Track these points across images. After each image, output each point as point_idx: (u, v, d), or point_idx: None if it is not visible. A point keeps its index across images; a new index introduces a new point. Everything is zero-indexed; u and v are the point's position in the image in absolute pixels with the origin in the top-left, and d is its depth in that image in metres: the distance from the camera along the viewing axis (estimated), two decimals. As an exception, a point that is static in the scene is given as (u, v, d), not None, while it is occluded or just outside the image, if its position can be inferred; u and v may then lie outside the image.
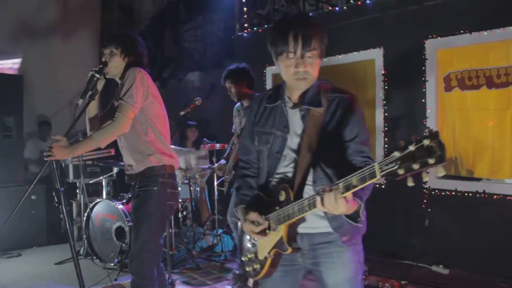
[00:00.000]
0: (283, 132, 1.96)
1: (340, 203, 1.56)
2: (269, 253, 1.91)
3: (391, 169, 1.38)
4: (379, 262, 4.79)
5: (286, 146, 1.95)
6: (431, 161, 1.28)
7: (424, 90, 4.88)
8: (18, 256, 5.49)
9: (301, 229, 1.91)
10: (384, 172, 1.41)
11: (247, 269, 2.04)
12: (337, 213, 1.63)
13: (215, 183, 5.70)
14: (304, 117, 1.92)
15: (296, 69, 1.86)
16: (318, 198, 1.64)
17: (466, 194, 4.57)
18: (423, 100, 4.87)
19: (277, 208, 1.87)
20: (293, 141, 1.94)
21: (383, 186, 4.98)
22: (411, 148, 1.33)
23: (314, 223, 1.92)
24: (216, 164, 5.16)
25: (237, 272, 4.34)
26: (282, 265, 1.97)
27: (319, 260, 1.93)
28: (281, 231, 1.85)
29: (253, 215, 1.92)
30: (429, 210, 4.82)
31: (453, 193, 4.64)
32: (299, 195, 1.84)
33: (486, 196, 4.44)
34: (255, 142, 2.06)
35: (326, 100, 1.91)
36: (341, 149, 1.84)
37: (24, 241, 5.75)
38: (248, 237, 2.06)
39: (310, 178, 1.88)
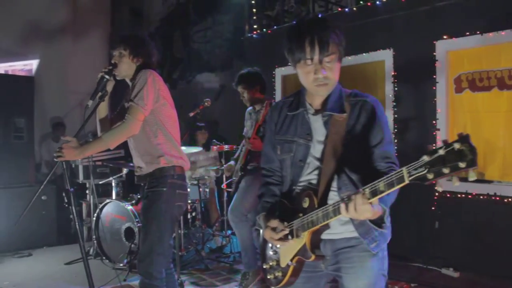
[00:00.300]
0: (306, 140, 1.92)
1: (365, 209, 1.53)
2: (291, 260, 1.87)
3: (420, 173, 1.35)
4: (389, 264, 4.75)
5: (309, 154, 1.91)
6: (462, 165, 1.25)
7: (434, 91, 4.84)
8: (29, 256, 5.53)
9: (324, 235, 1.87)
10: (412, 177, 1.38)
11: (269, 277, 1.99)
12: (362, 218, 1.60)
13: (224, 184, 5.71)
14: (327, 123, 1.88)
15: (315, 76, 1.81)
16: (342, 204, 1.61)
17: (476, 197, 4.53)
18: (433, 102, 4.84)
19: (301, 215, 1.84)
20: (316, 148, 1.91)
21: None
22: (441, 152, 1.29)
23: (337, 229, 1.89)
24: (225, 165, 5.17)
25: (244, 271, 4.34)
26: (304, 271, 1.93)
27: (340, 265, 1.89)
28: (304, 238, 1.82)
29: (274, 222, 1.90)
30: (439, 212, 4.78)
31: (464, 195, 4.60)
32: (323, 201, 1.80)
33: (497, 198, 4.40)
34: (278, 151, 2.02)
35: (348, 105, 1.87)
36: (365, 154, 1.81)
37: (35, 241, 5.79)
38: (270, 244, 2.04)
39: (334, 184, 1.85)
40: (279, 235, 1.86)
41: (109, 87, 2.97)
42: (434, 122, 4.83)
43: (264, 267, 2.05)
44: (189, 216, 5.68)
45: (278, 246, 1.96)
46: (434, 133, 4.81)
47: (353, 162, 1.82)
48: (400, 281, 4.31)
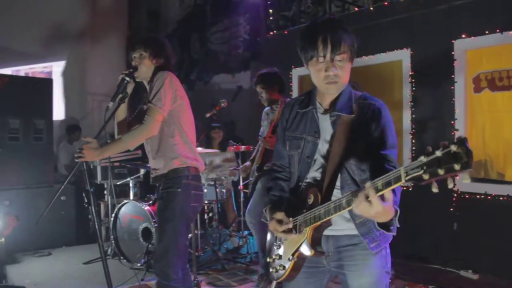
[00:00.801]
0: (314, 138, 1.97)
1: (374, 202, 1.52)
2: (292, 255, 1.91)
3: (416, 173, 1.36)
4: (406, 266, 4.73)
5: (317, 151, 1.96)
6: (456, 167, 1.26)
7: (452, 91, 4.79)
8: (49, 255, 5.61)
9: (327, 231, 1.90)
10: (409, 177, 1.40)
11: (271, 270, 2.04)
12: (373, 214, 1.56)
13: (240, 184, 5.72)
14: (335, 123, 1.92)
15: (326, 73, 1.85)
16: (344, 200, 1.66)
17: (496, 198, 4.47)
18: (452, 102, 4.79)
19: (305, 211, 1.87)
20: (323, 146, 1.95)
21: (410, 189, 4.90)
22: (438, 153, 1.30)
23: (340, 225, 1.92)
24: (241, 166, 5.18)
25: (261, 272, 4.35)
26: (306, 266, 1.96)
27: (343, 262, 1.93)
28: (306, 233, 1.85)
29: (279, 215, 1.93)
30: (457, 213, 4.73)
31: (483, 196, 4.54)
32: (327, 199, 1.83)
33: (517, 199, 4.34)
34: (287, 147, 2.07)
35: (357, 107, 1.91)
36: (368, 156, 1.83)
37: (54, 241, 5.88)
38: (275, 238, 2.07)
39: (338, 183, 1.89)
40: (282, 227, 1.89)
41: (129, 89, 3.00)
42: (452, 122, 4.77)
43: (268, 260, 2.08)
44: (206, 216, 5.70)
45: (282, 240, 2.00)
46: (453, 134, 4.75)
47: (356, 162, 1.86)
48: (418, 283, 4.27)
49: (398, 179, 1.44)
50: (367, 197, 1.52)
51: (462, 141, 1.26)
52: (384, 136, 1.85)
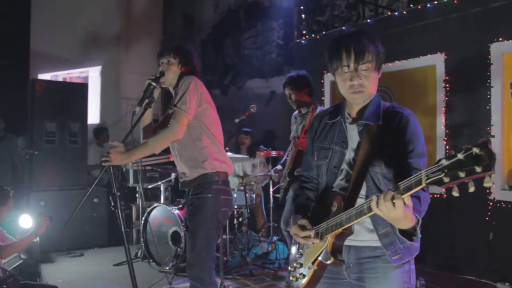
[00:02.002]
0: (342, 148, 1.97)
1: (397, 204, 1.50)
2: (312, 263, 1.89)
3: (437, 177, 1.35)
4: (440, 276, 4.61)
5: (344, 161, 1.96)
6: (478, 169, 1.24)
7: (488, 96, 4.64)
8: (81, 256, 5.74)
9: (349, 241, 1.88)
10: (430, 180, 1.38)
11: (291, 278, 2.03)
12: (392, 217, 1.54)
13: (271, 190, 5.70)
14: (362, 132, 1.92)
15: (351, 83, 1.87)
16: (366, 206, 1.64)
17: (535, 207, 4.30)
18: (488, 107, 4.64)
19: (327, 218, 1.86)
20: (350, 156, 1.95)
21: (444, 196, 4.78)
22: (460, 156, 1.29)
23: (362, 236, 1.89)
24: (272, 170, 5.18)
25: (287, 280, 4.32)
26: (326, 277, 1.94)
27: (364, 275, 1.89)
28: (327, 241, 1.84)
29: (302, 221, 1.93)
30: (493, 223, 4.57)
31: (520, 205, 4.38)
32: (350, 206, 1.81)
33: (557, 209, 4.16)
34: (315, 157, 2.08)
35: (385, 116, 1.91)
36: (395, 164, 1.82)
37: (86, 242, 6.01)
38: (297, 246, 2.07)
39: (363, 192, 1.88)
40: (303, 233, 1.89)
41: (156, 94, 3.03)
42: (488, 128, 4.62)
43: (289, 268, 2.08)
44: (235, 221, 5.71)
45: (303, 248, 2.00)
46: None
47: (382, 171, 1.85)
48: (450, 293, 4.15)
49: (418, 182, 1.44)
50: (392, 198, 1.51)
51: (484, 144, 1.25)
52: (412, 145, 1.83)
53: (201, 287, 2.88)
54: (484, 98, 4.67)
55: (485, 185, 1.28)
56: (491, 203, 4.57)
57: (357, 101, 1.94)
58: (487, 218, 4.60)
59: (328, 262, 1.83)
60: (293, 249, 2.11)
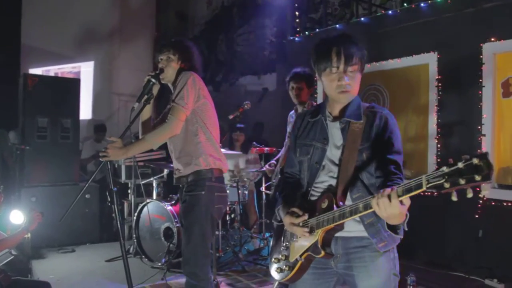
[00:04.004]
0: (323, 144, 2.06)
1: (394, 203, 1.60)
2: (300, 256, 1.96)
3: (438, 182, 1.45)
4: (429, 273, 4.65)
5: (325, 157, 2.05)
6: (477, 177, 1.36)
7: (480, 95, 4.69)
8: (72, 252, 5.71)
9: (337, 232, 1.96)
10: (430, 184, 1.48)
11: (275, 270, 2.09)
12: (388, 214, 1.63)
13: (263, 186, 5.72)
14: (344, 130, 2.02)
15: (339, 83, 1.98)
16: (361, 205, 1.73)
17: (524, 205, 4.36)
18: (479, 106, 4.69)
19: (317, 214, 1.93)
20: (332, 152, 2.04)
21: (435, 194, 4.83)
22: (460, 165, 1.40)
23: (350, 227, 1.96)
24: (266, 165, 5.21)
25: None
26: (314, 268, 2.02)
27: (352, 264, 1.98)
28: (317, 235, 1.91)
29: (294, 208, 2.01)
30: (483, 220, 4.62)
31: (510, 203, 4.43)
32: (341, 203, 1.91)
33: (546, 208, 4.22)
34: (297, 154, 2.18)
35: (365, 115, 2.02)
36: (377, 161, 1.93)
37: (78, 238, 5.98)
38: (282, 238, 2.14)
39: (349, 187, 1.97)
40: (299, 219, 1.96)
41: (155, 90, 3.03)
42: (479, 127, 4.67)
43: (272, 260, 2.15)
44: (227, 218, 5.72)
45: (290, 241, 2.06)
46: (480, 139, 4.65)
47: (366, 168, 1.96)
48: (441, 290, 4.20)
49: (419, 186, 1.53)
50: (389, 197, 1.60)
51: (484, 155, 1.37)
52: (391, 142, 1.95)
53: (196, 283, 2.89)
54: (476, 97, 4.72)
55: (482, 192, 1.44)
56: (480, 201, 4.62)
57: (342, 101, 2.04)
58: (476, 216, 4.65)
59: (318, 256, 1.91)
60: (276, 242, 2.19)
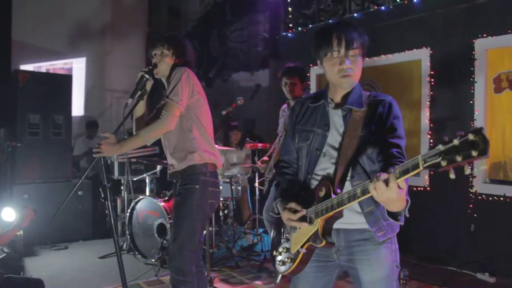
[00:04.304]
0: (324, 130, 2.02)
1: (391, 186, 1.55)
2: (302, 247, 1.93)
3: (434, 161, 1.41)
4: (422, 267, 4.68)
5: (326, 144, 2.01)
6: (474, 153, 1.31)
7: (472, 91, 4.72)
8: (65, 249, 5.68)
9: (338, 224, 1.92)
10: (427, 164, 1.43)
11: (278, 263, 2.06)
12: (385, 198, 1.59)
13: (256, 182, 5.72)
14: (346, 117, 1.98)
15: (340, 67, 1.95)
16: (359, 190, 1.68)
17: (515, 200, 4.39)
18: (471, 102, 4.72)
19: (316, 203, 1.90)
20: (334, 139, 2.00)
21: (428, 189, 4.86)
22: (455, 142, 1.35)
23: (351, 219, 1.94)
24: (259, 161, 5.19)
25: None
26: (316, 260, 1.99)
27: (355, 257, 1.96)
28: (317, 224, 1.88)
29: (292, 204, 1.96)
30: (475, 215, 4.66)
31: (501, 198, 4.47)
32: (339, 190, 1.88)
33: (537, 202, 4.26)
34: (296, 140, 2.13)
35: (367, 103, 1.99)
36: (379, 147, 1.90)
37: (71, 235, 5.96)
38: (282, 230, 2.10)
39: (348, 174, 1.94)
40: (297, 215, 1.92)
41: (148, 86, 3.02)
42: (471, 123, 4.70)
43: (274, 253, 2.11)
44: (221, 213, 5.71)
45: (290, 233, 2.03)
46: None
47: (367, 154, 1.92)
48: (433, 284, 4.22)
49: (416, 166, 1.48)
50: (386, 181, 1.56)
51: (479, 130, 1.32)
52: (394, 127, 1.92)
53: (180, 278, 2.89)
54: (468, 93, 4.75)
55: (481, 167, 1.37)
56: (473, 196, 4.65)
57: (344, 86, 2.00)
58: (468, 211, 4.69)
59: (320, 245, 1.88)
60: (276, 234, 2.15)
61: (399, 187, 1.57)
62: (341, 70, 1.95)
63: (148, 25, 10.54)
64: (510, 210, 4.42)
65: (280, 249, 2.06)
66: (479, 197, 4.62)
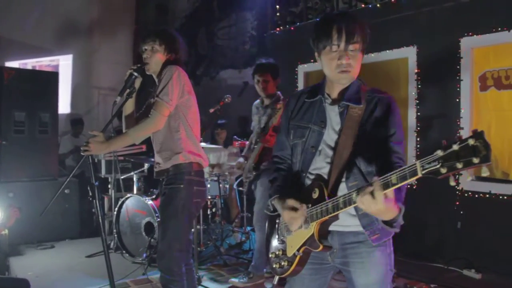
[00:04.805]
0: (320, 127, 1.95)
1: (378, 198, 1.52)
2: (298, 250, 1.89)
3: (433, 167, 1.35)
4: (409, 264, 4.71)
5: (322, 141, 1.94)
6: (475, 160, 1.25)
7: (458, 89, 4.76)
8: (52, 248, 5.63)
9: (332, 226, 1.89)
10: (426, 171, 1.38)
11: (274, 266, 2.02)
12: (374, 210, 1.56)
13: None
14: (342, 114, 1.91)
15: (339, 61, 1.87)
16: (356, 195, 1.62)
17: (500, 197, 4.43)
18: (457, 100, 4.76)
19: (309, 205, 1.85)
20: (330, 137, 1.93)
21: (414, 187, 4.89)
22: (455, 147, 1.30)
23: (345, 221, 1.89)
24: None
25: (250, 270, 4.31)
26: (311, 263, 1.95)
27: (349, 260, 1.92)
28: (312, 228, 1.83)
29: (291, 201, 1.89)
30: (461, 212, 4.70)
31: (487, 195, 4.52)
32: (334, 192, 1.83)
33: (522, 199, 4.30)
34: (290, 136, 2.05)
35: (365, 99, 1.91)
36: (376, 147, 1.84)
37: (58, 234, 5.90)
38: (277, 233, 2.06)
39: (344, 174, 1.88)
40: (298, 214, 1.85)
41: (137, 84, 2.99)
42: (457, 120, 4.74)
43: (270, 256, 2.07)
44: (208, 212, 5.71)
45: (285, 235, 1.99)
46: (458, 132, 4.72)
47: (364, 154, 1.85)
48: (420, 281, 4.25)
49: (414, 173, 1.44)
50: (372, 192, 1.53)
51: (480, 134, 1.27)
52: (393, 129, 1.86)
53: (170, 278, 2.88)
54: (454, 91, 4.79)
55: (483, 175, 1.30)
56: (459, 193, 4.69)
57: (343, 81, 1.93)
58: (455, 208, 4.73)
59: (317, 250, 1.84)
60: (270, 233, 2.11)
61: (386, 196, 1.53)
62: (340, 65, 1.87)
63: (136, 22, 10.48)
64: (496, 207, 4.47)
65: (276, 252, 2.02)
66: (465, 195, 4.66)
